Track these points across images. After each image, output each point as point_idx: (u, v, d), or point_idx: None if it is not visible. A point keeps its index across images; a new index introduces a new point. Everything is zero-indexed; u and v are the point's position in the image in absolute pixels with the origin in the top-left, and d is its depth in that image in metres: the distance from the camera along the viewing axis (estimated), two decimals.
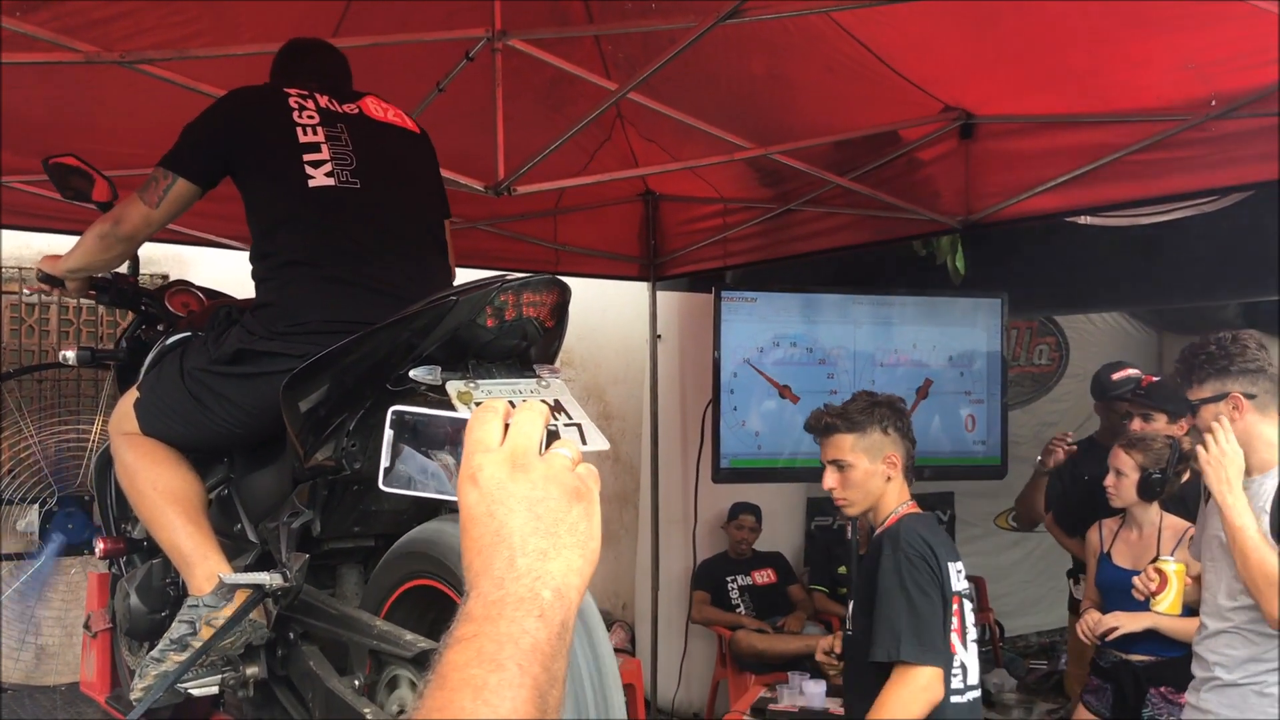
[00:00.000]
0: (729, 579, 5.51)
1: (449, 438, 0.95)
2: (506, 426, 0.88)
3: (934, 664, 2.52)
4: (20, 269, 4.68)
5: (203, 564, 2.22)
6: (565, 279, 2.03)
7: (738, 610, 5.36)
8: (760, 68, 4.05)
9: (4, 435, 4.12)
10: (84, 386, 4.57)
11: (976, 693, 2.65)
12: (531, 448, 0.87)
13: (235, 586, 2.16)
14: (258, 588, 2.11)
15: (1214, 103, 3.33)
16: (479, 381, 1.83)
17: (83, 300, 3.14)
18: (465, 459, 0.87)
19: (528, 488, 0.84)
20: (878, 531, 2.76)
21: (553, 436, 0.89)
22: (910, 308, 4.66)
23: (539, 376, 1.92)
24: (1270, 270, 4.44)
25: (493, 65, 3.29)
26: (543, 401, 1.86)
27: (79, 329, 4.77)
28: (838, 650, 3.09)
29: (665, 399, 5.55)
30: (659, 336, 5.51)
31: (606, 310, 5.94)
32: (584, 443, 1.84)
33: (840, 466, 2.77)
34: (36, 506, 3.91)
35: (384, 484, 0.94)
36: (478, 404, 1.79)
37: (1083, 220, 4.09)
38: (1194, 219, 4.00)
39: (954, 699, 2.57)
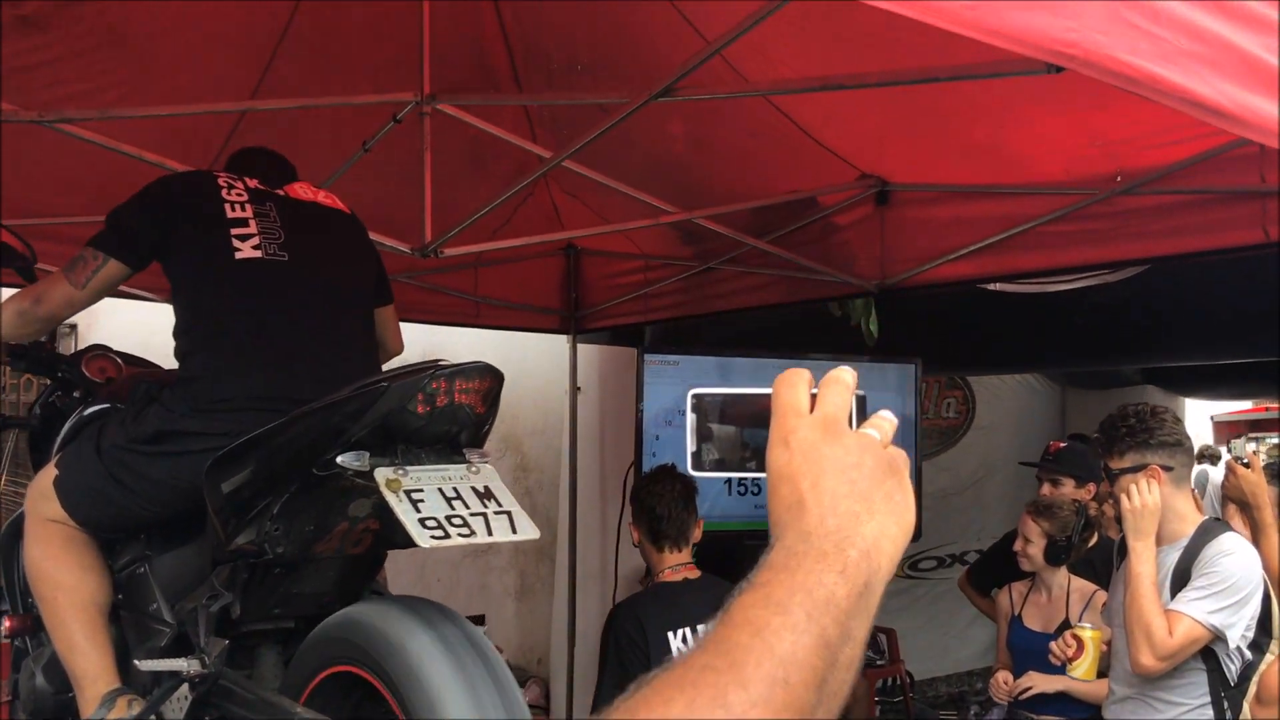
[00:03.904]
0: None
1: (746, 415, 0.94)
2: (813, 397, 0.88)
3: None
4: None
5: (93, 686, 2.23)
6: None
7: None
8: (682, 131, 4.11)
9: None
10: None
11: None
12: (842, 416, 0.85)
13: (117, 693, 2.15)
14: (175, 674, 2.06)
15: (1119, 178, 3.47)
16: (408, 468, 1.83)
17: None
18: (777, 422, 0.86)
19: (842, 453, 0.83)
20: None
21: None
22: (827, 371, 4.73)
23: (469, 462, 1.92)
24: (1167, 337, 4.62)
25: (421, 130, 3.28)
26: (472, 489, 1.86)
27: None
28: None
29: (584, 452, 5.54)
30: (579, 389, 5.51)
31: (525, 361, 5.93)
32: (514, 531, 1.84)
33: None
34: None
35: (693, 469, 0.94)
36: (406, 491, 1.79)
37: (993, 287, 4.21)
38: (1097, 288, 4.15)
39: None
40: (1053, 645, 3.19)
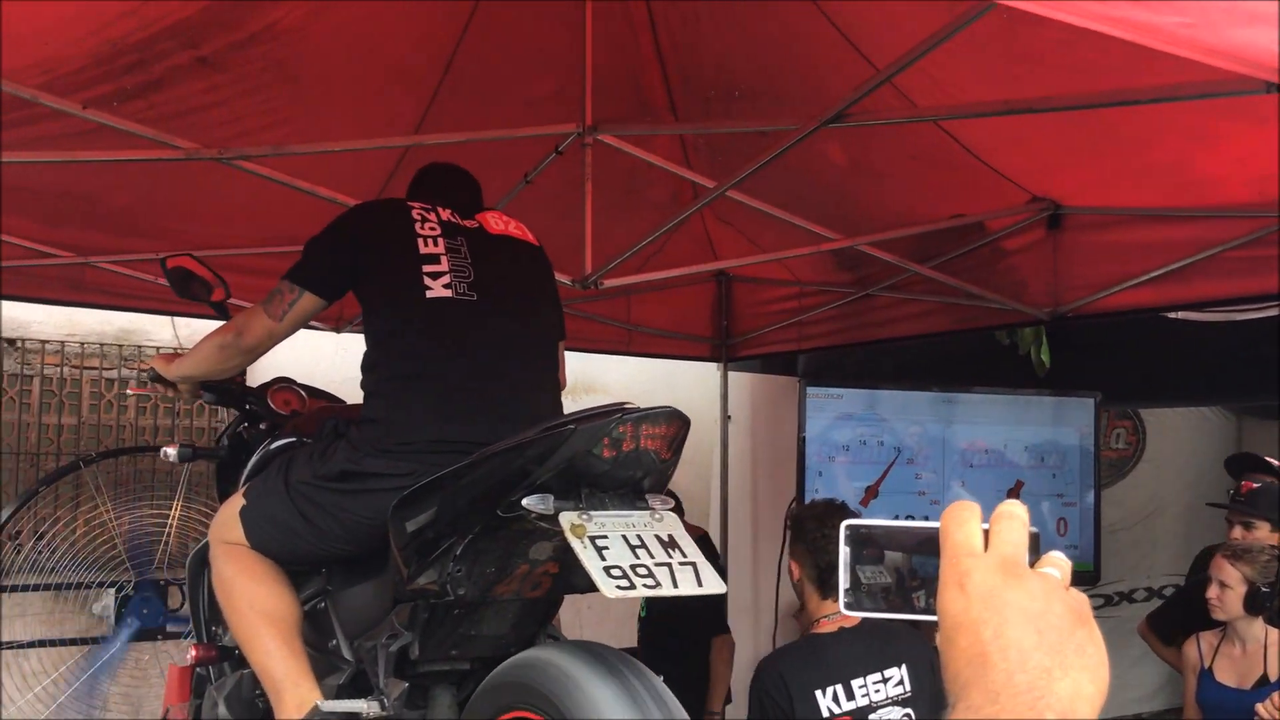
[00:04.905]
0: None
1: (909, 549, 0.88)
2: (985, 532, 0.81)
3: None
4: (102, 345, 4.74)
5: (294, 691, 2.19)
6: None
7: None
8: (842, 155, 4.02)
9: (81, 514, 4.14)
10: (158, 463, 4.59)
11: None
12: (1021, 557, 0.79)
13: (330, 715, 2.11)
14: (355, 716, 2.06)
15: None
16: (592, 513, 1.79)
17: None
18: (949, 563, 0.80)
19: (1026, 598, 0.76)
20: None
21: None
22: (1000, 405, 4.55)
23: (652, 509, 1.87)
24: None
25: (583, 161, 3.27)
26: (656, 537, 1.81)
27: (156, 404, 4.81)
28: None
29: (735, 482, 5.47)
30: (729, 417, 5.44)
31: (675, 389, 5.89)
32: (699, 584, 1.78)
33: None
34: (114, 591, 3.91)
35: (846, 608, 0.87)
36: (591, 538, 1.75)
37: (1176, 315, 3.99)
38: None
39: None
40: (1260, 708, 2.95)
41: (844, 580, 0.88)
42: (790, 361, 5.38)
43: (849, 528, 0.88)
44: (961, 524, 0.81)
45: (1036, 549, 0.81)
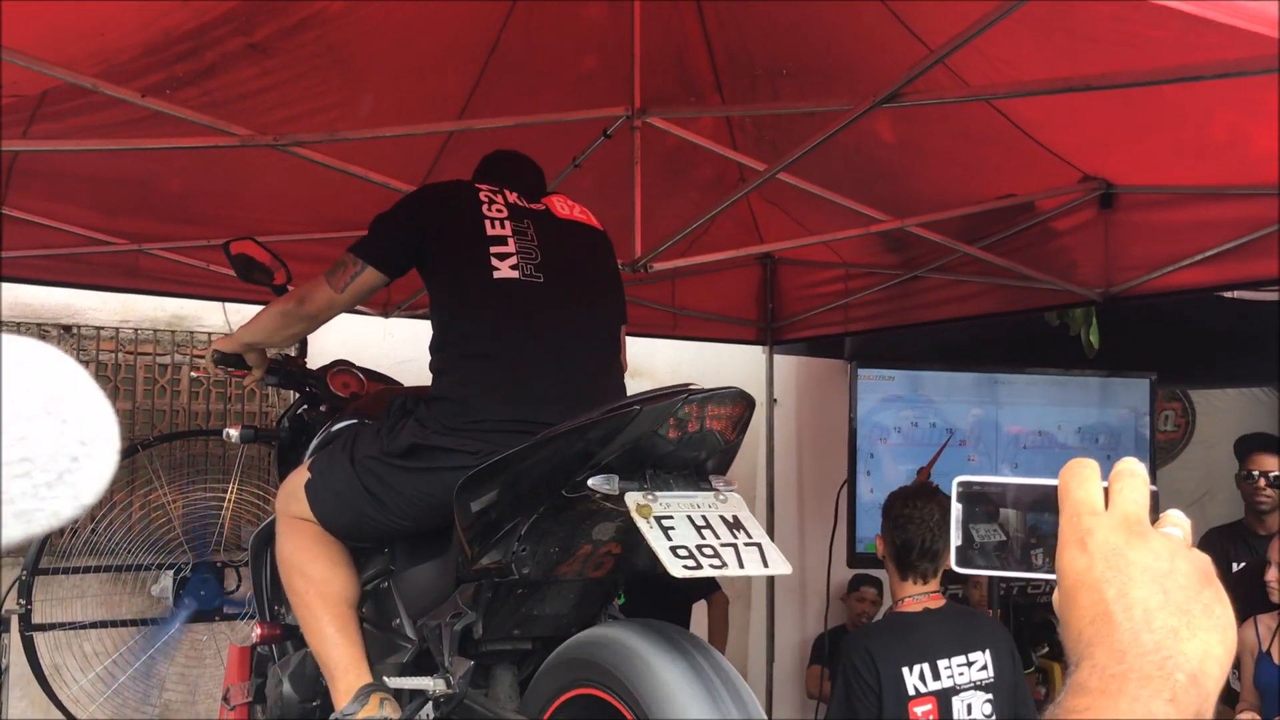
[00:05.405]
0: None
1: (1024, 507, 0.87)
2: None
3: None
4: (155, 331, 4.80)
5: (345, 677, 2.24)
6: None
7: None
8: (891, 134, 3.98)
9: (137, 498, 4.21)
10: (212, 446, 4.65)
11: None
12: (1144, 515, 0.78)
13: (370, 690, 2.15)
14: (421, 693, 2.08)
15: None
16: (657, 494, 1.79)
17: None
18: (1069, 522, 0.79)
19: (1150, 558, 0.75)
20: None
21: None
22: (1054, 387, 4.51)
23: (716, 490, 1.88)
24: None
25: (631, 143, 3.27)
26: (721, 518, 1.82)
27: (208, 389, 4.87)
28: None
29: (781, 466, 5.45)
30: (775, 401, 5.43)
31: (721, 372, 5.88)
32: (765, 565, 1.79)
33: None
34: (172, 573, 3.97)
35: (958, 565, 0.87)
36: (657, 518, 1.76)
37: (1230, 294, 3.94)
38: None
39: None
40: None
41: (955, 537, 0.87)
42: (836, 344, 5.36)
43: (962, 484, 0.88)
44: (1082, 481, 0.80)
45: (1156, 508, 0.80)
